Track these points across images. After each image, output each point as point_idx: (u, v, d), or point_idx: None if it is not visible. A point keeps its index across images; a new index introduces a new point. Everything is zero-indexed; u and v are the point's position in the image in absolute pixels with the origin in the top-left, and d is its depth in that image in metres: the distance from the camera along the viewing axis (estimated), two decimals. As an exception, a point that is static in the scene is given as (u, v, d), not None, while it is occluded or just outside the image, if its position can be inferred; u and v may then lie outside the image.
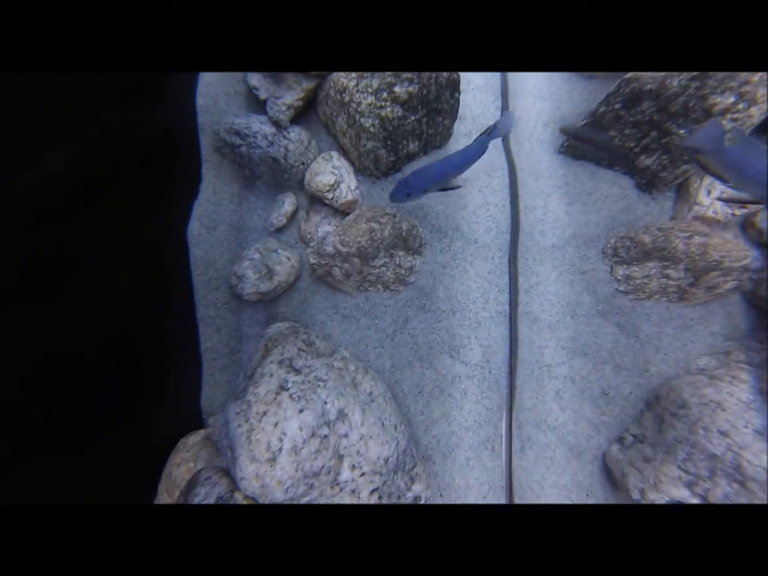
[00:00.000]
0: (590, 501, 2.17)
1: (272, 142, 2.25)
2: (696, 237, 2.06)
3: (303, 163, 2.33)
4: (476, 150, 1.76)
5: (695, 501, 1.81)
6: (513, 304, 2.31)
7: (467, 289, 2.32)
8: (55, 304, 1.80)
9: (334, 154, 2.35)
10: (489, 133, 1.76)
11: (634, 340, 2.23)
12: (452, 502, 2.18)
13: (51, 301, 1.80)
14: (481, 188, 2.39)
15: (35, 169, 1.75)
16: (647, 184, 2.25)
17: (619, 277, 2.24)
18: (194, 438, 2.13)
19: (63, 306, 1.83)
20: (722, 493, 1.76)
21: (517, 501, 2.17)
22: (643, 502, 1.92)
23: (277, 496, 1.64)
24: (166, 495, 1.95)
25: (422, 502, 2.02)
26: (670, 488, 1.86)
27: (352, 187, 2.31)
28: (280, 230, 2.41)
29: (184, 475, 1.93)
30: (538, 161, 2.38)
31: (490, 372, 2.27)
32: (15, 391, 1.62)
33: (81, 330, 1.84)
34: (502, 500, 2.18)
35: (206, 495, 1.67)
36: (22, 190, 1.71)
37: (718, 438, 1.78)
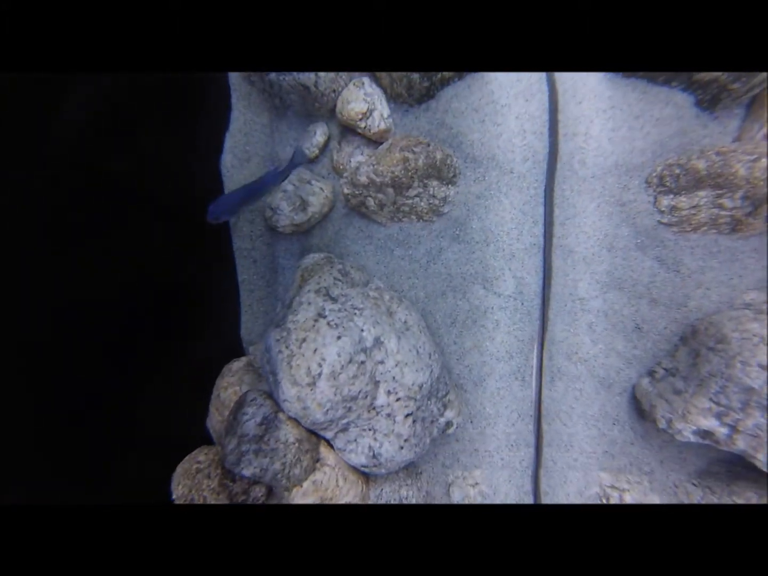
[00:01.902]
0: (616, 430, 2.15)
1: (301, 68, 2.07)
2: (763, 160, 1.81)
3: (334, 91, 2.15)
4: (271, 180, 1.97)
5: (723, 431, 1.77)
6: (548, 236, 2.17)
7: (501, 220, 2.19)
8: (100, 235, 1.79)
9: (366, 80, 2.16)
10: (282, 168, 1.99)
11: (674, 274, 2.09)
12: (482, 429, 2.20)
13: (96, 233, 1.78)
14: (519, 115, 2.17)
15: (74, 100, 1.68)
16: (711, 100, 1.95)
17: (663, 209, 2.05)
18: (237, 364, 2.17)
19: (108, 237, 1.81)
20: (753, 423, 1.71)
21: (545, 427, 2.17)
22: (670, 431, 1.89)
23: (318, 417, 1.67)
24: (217, 414, 2.02)
25: (454, 427, 2.04)
26: (699, 418, 1.81)
27: (385, 116, 2.14)
28: (312, 161, 2.29)
29: (231, 396, 1.99)
30: (583, 83, 2.12)
31: (522, 304, 2.19)
32: (75, 315, 1.65)
33: (128, 261, 1.84)
34: (530, 427, 2.18)
35: (253, 414, 1.71)
36: (64, 123, 1.65)
37: (757, 371, 1.69)
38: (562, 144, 2.15)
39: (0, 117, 1.47)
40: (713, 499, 1.93)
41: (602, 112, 2.10)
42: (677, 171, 1.96)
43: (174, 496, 1.79)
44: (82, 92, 1.70)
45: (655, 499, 2.07)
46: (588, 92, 2.11)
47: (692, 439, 1.82)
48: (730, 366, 1.76)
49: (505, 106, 2.16)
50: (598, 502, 2.14)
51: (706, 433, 1.80)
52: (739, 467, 1.95)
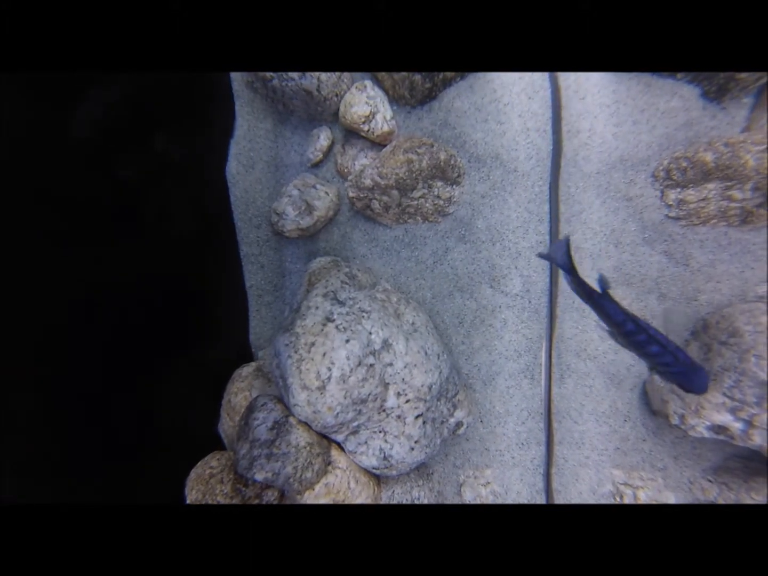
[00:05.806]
0: (628, 426, 2.08)
1: (304, 73, 2.03)
2: (773, 149, 1.75)
3: (337, 95, 2.11)
4: None
5: (738, 426, 1.71)
6: (554, 233, 2.12)
7: (507, 219, 2.13)
8: (112, 238, 1.76)
9: (368, 83, 2.11)
10: None
11: (684, 268, 2.02)
12: (492, 428, 2.15)
13: (117, 235, 1.75)
14: (522, 113, 2.12)
15: (93, 102, 1.65)
16: (718, 90, 1.89)
17: (671, 202, 1.99)
18: (247, 369, 2.14)
19: (119, 241, 1.78)
20: (769, 417, 1.64)
21: (555, 425, 2.11)
22: (683, 427, 1.82)
23: (328, 420, 1.63)
24: (228, 419, 1.99)
25: (464, 427, 1.99)
26: (712, 413, 1.75)
27: (388, 118, 2.10)
28: (316, 165, 2.25)
29: (242, 402, 1.95)
30: (586, 78, 2.06)
31: (530, 302, 2.13)
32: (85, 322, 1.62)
33: (136, 265, 1.81)
34: (541, 425, 2.12)
35: (264, 419, 1.67)
36: (85, 122, 1.62)
37: (772, 365, 1.62)
38: (566, 141, 2.09)
39: (18, 116, 1.44)
40: (730, 496, 1.86)
41: (606, 107, 2.04)
42: (684, 164, 1.90)
43: (188, 501, 1.76)
44: (98, 95, 1.67)
45: (669, 496, 2.01)
46: (591, 87, 2.05)
47: (706, 434, 1.76)
48: (743, 360, 1.70)
49: (508, 104, 2.11)
50: (612, 500, 2.07)
51: (720, 429, 1.74)
52: (756, 462, 1.88)
